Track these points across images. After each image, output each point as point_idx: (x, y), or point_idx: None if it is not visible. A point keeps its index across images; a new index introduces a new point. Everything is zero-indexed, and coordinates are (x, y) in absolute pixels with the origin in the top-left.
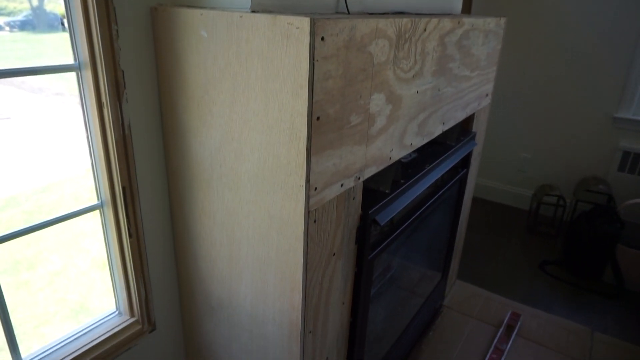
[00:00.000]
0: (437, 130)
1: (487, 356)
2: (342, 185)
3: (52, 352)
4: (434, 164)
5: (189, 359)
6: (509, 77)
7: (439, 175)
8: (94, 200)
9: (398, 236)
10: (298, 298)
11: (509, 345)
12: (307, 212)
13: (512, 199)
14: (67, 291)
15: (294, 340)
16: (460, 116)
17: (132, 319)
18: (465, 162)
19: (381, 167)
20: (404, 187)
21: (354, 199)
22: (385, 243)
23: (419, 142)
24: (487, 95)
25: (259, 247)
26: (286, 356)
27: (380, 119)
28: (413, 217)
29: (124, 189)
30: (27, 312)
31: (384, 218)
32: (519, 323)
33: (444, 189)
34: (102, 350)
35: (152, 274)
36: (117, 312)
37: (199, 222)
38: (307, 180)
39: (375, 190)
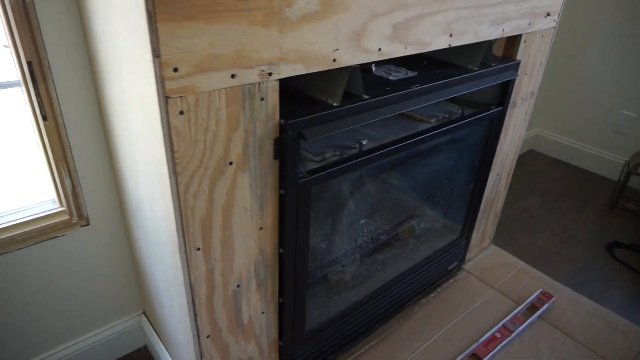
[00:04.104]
0: (438, 41)
1: (488, 334)
2: (233, 77)
3: None
4: (426, 85)
5: (132, 255)
6: (608, 2)
7: (435, 100)
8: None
9: (363, 164)
10: (170, 205)
11: (523, 327)
12: (165, 98)
13: (600, 166)
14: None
15: (176, 255)
16: (488, 33)
17: (61, 208)
18: (501, 99)
19: (315, 69)
20: (362, 103)
21: (262, 99)
22: (337, 169)
23: (396, 49)
24: (547, 15)
25: (141, 140)
26: (177, 272)
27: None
28: (390, 148)
29: (29, 63)
30: None
31: (315, 134)
32: (547, 305)
33: (452, 125)
34: (22, 231)
35: (80, 165)
36: (51, 200)
37: (115, 107)
38: (156, 55)
39: (319, 100)
